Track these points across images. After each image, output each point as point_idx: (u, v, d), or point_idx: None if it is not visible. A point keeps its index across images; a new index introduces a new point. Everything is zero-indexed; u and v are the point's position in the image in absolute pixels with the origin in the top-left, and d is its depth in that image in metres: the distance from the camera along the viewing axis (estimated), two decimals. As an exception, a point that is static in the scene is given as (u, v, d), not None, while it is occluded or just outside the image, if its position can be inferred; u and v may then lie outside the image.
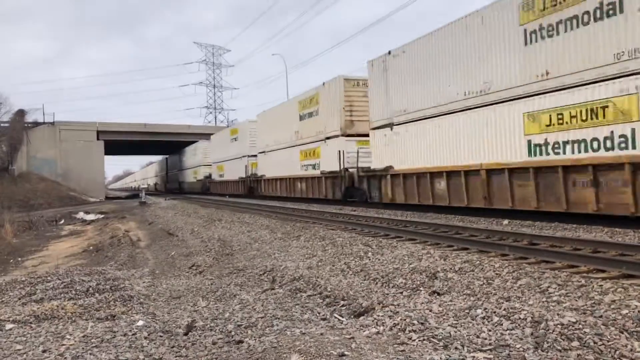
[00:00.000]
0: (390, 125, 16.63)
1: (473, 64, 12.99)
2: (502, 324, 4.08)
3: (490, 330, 3.96)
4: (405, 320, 4.27)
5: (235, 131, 36.71)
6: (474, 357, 3.49)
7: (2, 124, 42.24)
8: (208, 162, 44.26)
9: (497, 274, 5.96)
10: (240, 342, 4.20)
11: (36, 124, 43.49)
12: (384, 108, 17.01)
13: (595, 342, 3.60)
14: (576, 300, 4.68)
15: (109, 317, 5.34)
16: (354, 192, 19.99)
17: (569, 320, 3.91)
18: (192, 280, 7.94)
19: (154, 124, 50.87)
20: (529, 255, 7.11)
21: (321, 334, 4.18)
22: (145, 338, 4.36)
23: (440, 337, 3.87)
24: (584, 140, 9.99)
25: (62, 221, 25.77)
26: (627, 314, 4.11)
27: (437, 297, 5.26)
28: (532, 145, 11.19)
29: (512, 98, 11.72)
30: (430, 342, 3.80)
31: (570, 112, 10.23)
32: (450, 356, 3.49)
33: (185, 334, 4.50)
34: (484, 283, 5.66)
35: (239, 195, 34.33)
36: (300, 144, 24.92)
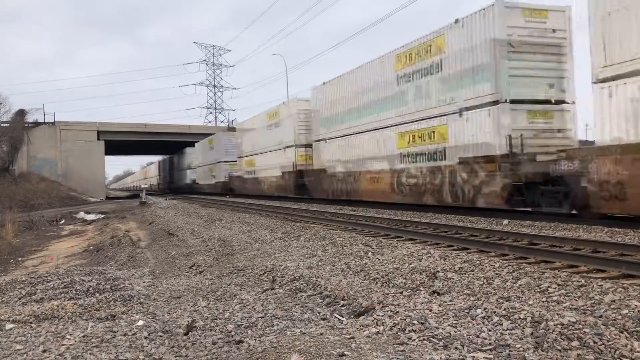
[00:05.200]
0: None
1: None
2: (502, 324, 4.08)
3: (490, 330, 3.96)
4: (405, 320, 4.27)
5: (275, 114, 28.57)
6: (474, 357, 3.49)
7: (2, 124, 42.25)
8: (231, 158, 38.22)
9: (497, 273, 5.96)
10: (240, 342, 4.20)
11: (37, 124, 43.53)
12: None
13: (595, 342, 3.60)
14: (576, 300, 4.68)
15: (109, 317, 5.34)
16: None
17: (569, 320, 3.91)
18: (192, 280, 7.94)
19: (155, 124, 50.90)
20: (529, 255, 7.11)
21: (321, 333, 4.17)
22: (145, 338, 4.37)
23: (440, 337, 3.87)
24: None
25: (63, 221, 25.76)
26: (627, 313, 4.11)
27: (437, 297, 5.26)
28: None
29: None
30: (430, 342, 3.80)
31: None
32: (450, 356, 3.48)
33: (185, 334, 4.50)
34: (484, 283, 5.66)
35: (284, 198, 26.96)
36: (399, 122, 16.46)
